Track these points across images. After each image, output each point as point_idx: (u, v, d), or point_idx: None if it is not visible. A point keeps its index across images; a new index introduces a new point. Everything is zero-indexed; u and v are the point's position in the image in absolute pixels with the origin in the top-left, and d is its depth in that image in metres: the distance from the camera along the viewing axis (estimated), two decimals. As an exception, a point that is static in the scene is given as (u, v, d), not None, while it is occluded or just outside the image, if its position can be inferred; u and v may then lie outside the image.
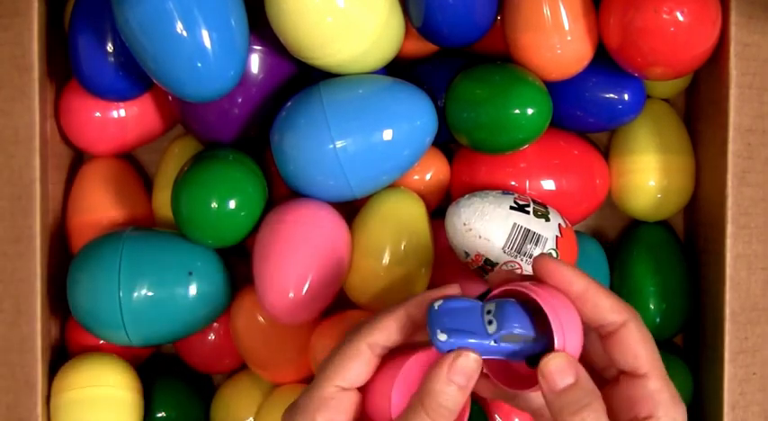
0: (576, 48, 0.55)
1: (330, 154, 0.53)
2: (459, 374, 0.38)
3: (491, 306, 0.40)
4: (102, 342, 0.61)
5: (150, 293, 0.55)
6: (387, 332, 0.42)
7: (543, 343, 0.40)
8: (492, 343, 0.39)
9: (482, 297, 0.42)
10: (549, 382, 0.38)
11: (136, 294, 0.55)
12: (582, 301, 0.40)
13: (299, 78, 0.59)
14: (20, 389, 0.56)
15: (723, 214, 0.55)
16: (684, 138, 0.62)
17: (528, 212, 0.55)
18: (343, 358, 0.42)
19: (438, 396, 0.38)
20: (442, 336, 0.39)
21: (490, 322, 0.39)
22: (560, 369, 0.38)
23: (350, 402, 0.42)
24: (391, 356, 0.43)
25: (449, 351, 0.39)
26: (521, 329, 0.39)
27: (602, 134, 0.64)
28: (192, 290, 0.56)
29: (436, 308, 0.40)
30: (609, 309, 0.40)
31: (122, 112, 0.61)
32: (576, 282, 0.41)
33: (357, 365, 0.42)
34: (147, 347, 0.63)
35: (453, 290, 0.43)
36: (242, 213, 0.55)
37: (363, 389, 0.42)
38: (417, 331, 0.43)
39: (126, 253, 0.55)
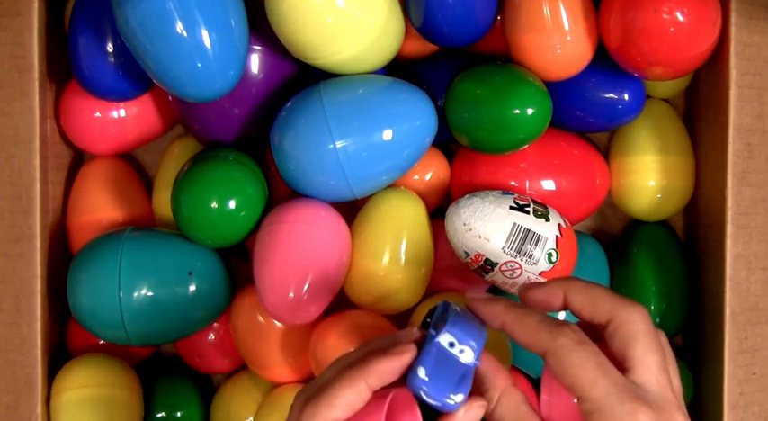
0: (576, 48, 0.55)
1: (330, 154, 0.53)
2: None
3: (448, 337, 0.41)
4: (102, 342, 0.61)
5: (150, 293, 0.55)
6: (345, 409, 0.40)
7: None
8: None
9: (425, 324, 0.43)
10: None
11: (136, 294, 0.55)
12: (506, 334, 0.41)
13: (299, 78, 0.59)
14: (20, 389, 0.56)
15: (723, 214, 0.55)
16: (684, 139, 0.62)
17: (528, 212, 0.55)
18: (337, 389, 0.41)
19: None
20: (458, 397, 0.39)
21: (461, 351, 0.40)
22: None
23: None
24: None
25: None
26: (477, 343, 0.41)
27: (602, 134, 0.64)
28: (192, 290, 0.56)
29: (423, 376, 0.40)
30: (525, 343, 0.40)
31: (122, 112, 0.61)
32: (493, 321, 0.42)
33: (352, 396, 0.41)
34: (147, 347, 0.63)
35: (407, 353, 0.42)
36: (242, 213, 0.55)
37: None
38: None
39: (126, 253, 0.55)
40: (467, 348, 0.40)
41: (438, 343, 0.40)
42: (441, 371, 0.40)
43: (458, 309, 0.42)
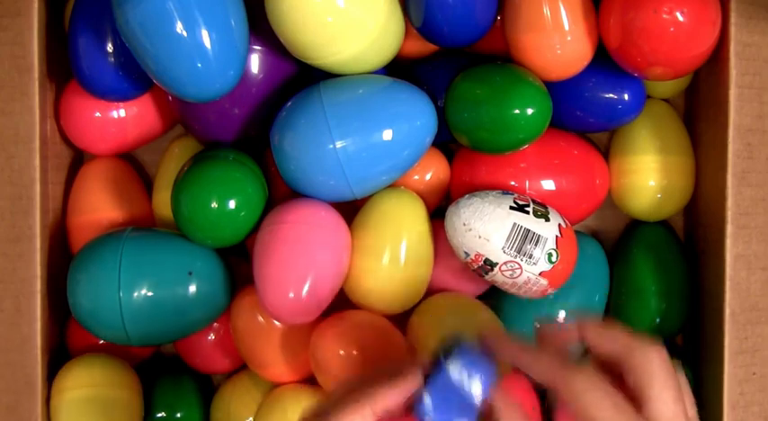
0: (576, 48, 0.55)
1: (330, 154, 0.53)
2: None
3: (457, 367, 0.41)
4: (102, 342, 0.61)
5: (150, 293, 0.55)
6: (385, 405, 0.42)
7: None
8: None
9: (437, 354, 0.43)
10: None
11: (136, 294, 0.55)
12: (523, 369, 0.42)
13: (299, 78, 0.59)
14: (20, 389, 0.56)
15: (723, 214, 0.55)
16: (684, 139, 0.62)
17: (528, 212, 0.54)
18: (344, 412, 0.41)
19: None
20: None
21: (470, 383, 0.41)
22: None
23: None
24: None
25: None
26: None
27: (602, 134, 0.64)
28: (192, 290, 0.56)
29: (429, 404, 0.41)
30: (541, 380, 0.41)
31: (122, 112, 0.61)
32: (508, 358, 0.42)
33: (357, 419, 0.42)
34: (147, 347, 0.63)
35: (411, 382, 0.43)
36: (242, 213, 0.55)
37: None
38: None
39: (126, 253, 0.55)
40: (475, 380, 0.41)
41: (446, 372, 0.41)
42: (447, 401, 0.40)
43: (470, 342, 0.42)
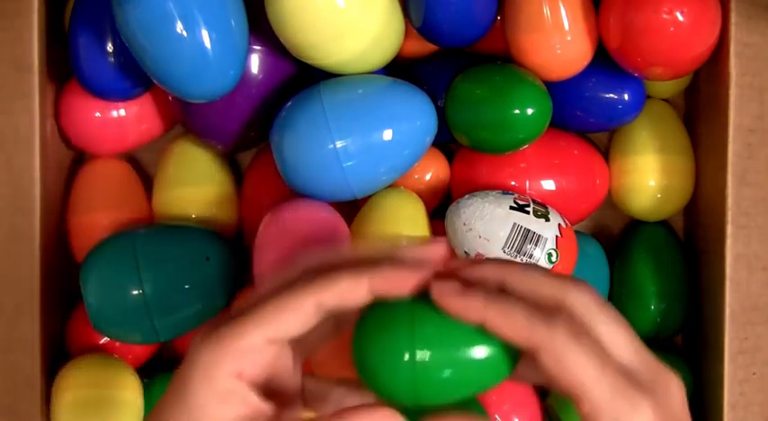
0: (576, 48, 0.55)
1: (330, 154, 0.53)
2: None
3: None
4: (102, 342, 0.61)
5: (173, 285, 0.56)
6: (342, 297, 0.36)
7: None
8: None
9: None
10: None
11: (159, 288, 0.55)
12: (488, 330, 0.36)
13: (299, 78, 0.59)
14: (20, 390, 0.56)
15: (723, 214, 0.55)
16: (684, 139, 0.62)
17: (528, 212, 0.54)
18: (281, 309, 0.36)
19: None
20: None
21: None
22: None
23: (272, 357, 0.36)
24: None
25: None
26: None
27: (602, 134, 0.64)
28: (213, 273, 0.57)
29: None
30: (513, 339, 0.35)
31: (122, 112, 0.61)
32: (471, 317, 0.36)
33: (295, 319, 0.36)
34: (173, 339, 0.62)
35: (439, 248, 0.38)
36: None
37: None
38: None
39: (140, 249, 0.56)
40: None
41: None
42: None
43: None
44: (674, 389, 0.36)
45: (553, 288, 0.36)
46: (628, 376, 0.35)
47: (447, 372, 0.36)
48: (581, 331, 0.35)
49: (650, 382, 0.35)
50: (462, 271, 0.38)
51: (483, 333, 0.36)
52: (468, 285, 0.36)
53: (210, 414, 0.36)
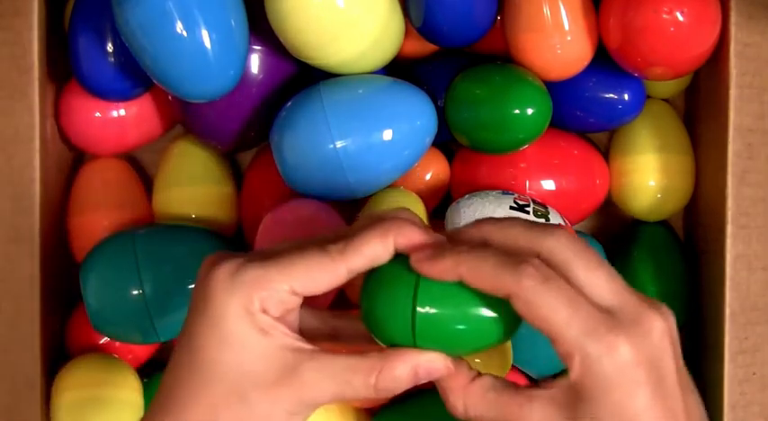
0: (576, 48, 0.55)
1: (330, 154, 0.53)
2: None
3: None
4: (102, 342, 0.61)
5: (173, 284, 0.56)
6: (373, 260, 0.38)
7: None
8: None
9: None
10: None
11: (159, 288, 0.55)
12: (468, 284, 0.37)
13: (299, 78, 0.59)
14: (20, 389, 0.56)
15: (723, 214, 0.55)
16: (684, 138, 0.62)
17: (528, 212, 0.54)
18: (312, 266, 0.38)
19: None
20: None
21: None
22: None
23: (293, 305, 0.39)
24: None
25: None
26: None
27: (602, 134, 0.64)
28: None
29: None
30: (488, 290, 0.37)
31: (122, 112, 0.61)
32: (448, 276, 0.37)
33: (329, 279, 0.38)
34: (173, 340, 0.62)
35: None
36: None
37: None
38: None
39: (140, 250, 0.56)
40: None
41: None
42: None
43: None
44: (658, 326, 0.36)
45: (528, 237, 0.37)
46: (604, 317, 0.35)
47: (444, 329, 0.38)
48: (551, 276, 0.36)
49: (631, 321, 0.36)
50: (450, 235, 0.39)
51: (483, 294, 0.37)
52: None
53: (254, 347, 0.37)
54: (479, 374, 0.39)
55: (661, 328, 0.36)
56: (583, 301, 0.36)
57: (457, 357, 0.39)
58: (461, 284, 0.37)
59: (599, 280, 0.36)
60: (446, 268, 0.37)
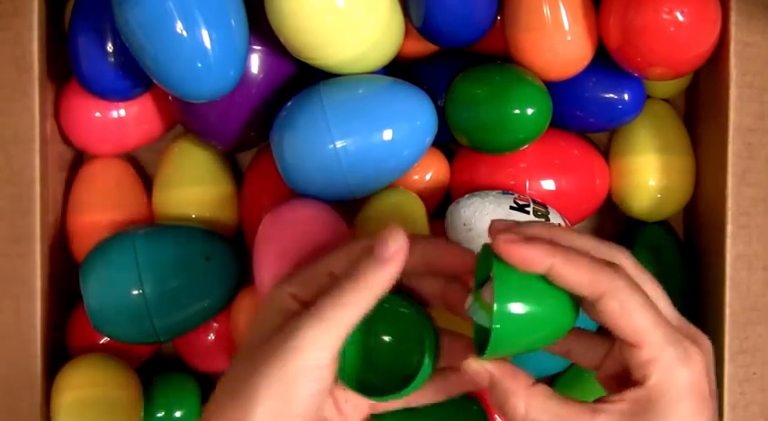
0: (576, 48, 0.55)
1: (330, 154, 0.53)
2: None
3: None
4: (102, 342, 0.61)
5: (173, 285, 0.56)
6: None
7: None
8: None
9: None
10: None
11: (159, 288, 0.55)
12: (552, 278, 0.37)
13: (299, 78, 0.59)
14: (20, 389, 0.56)
15: (723, 214, 0.55)
16: (684, 138, 0.62)
17: (528, 212, 0.54)
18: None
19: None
20: None
21: None
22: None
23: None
24: None
25: None
26: None
27: (602, 134, 0.64)
28: (212, 274, 0.57)
29: None
30: (578, 285, 0.37)
31: (122, 112, 0.61)
32: (538, 263, 0.37)
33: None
34: (173, 339, 0.63)
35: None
36: None
37: None
38: None
39: (140, 249, 0.56)
40: None
41: None
42: None
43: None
44: (711, 351, 0.39)
45: (604, 249, 0.38)
46: (677, 330, 0.38)
47: (513, 326, 0.37)
48: (636, 284, 0.37)
49: (695, 339, 0.38)
50: (515, 229, 0.39)
51: (549, 288, 0.37)
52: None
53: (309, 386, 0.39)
54: (537, 381, 0.39)
55: (712, 353, 0.39)
56: (661, 313, 0.37)
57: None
58: (539, 278, 0.37)
59: (663, 301, 0.39)
60: (538, 254, 0.37)
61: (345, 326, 0.40)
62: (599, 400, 0.38)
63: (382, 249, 0.40)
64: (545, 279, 0.37)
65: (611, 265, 0.37)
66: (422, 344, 0.42)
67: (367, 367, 0.44)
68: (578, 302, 0.39)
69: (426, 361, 0.42)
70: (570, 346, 0.43)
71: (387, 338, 0.45)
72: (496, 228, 0.39)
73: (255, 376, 0.39)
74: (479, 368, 0.39)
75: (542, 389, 0.38)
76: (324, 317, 0.39)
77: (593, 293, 0.37)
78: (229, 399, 0.39)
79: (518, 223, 0.40)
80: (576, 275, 0.36)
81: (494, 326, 0.37)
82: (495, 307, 0.36)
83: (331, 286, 0.41)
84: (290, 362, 0.39)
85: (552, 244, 0.37)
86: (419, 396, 0.44)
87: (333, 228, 0.55)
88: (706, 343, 0.39)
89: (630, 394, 0.37)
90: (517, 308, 0.37)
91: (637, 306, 0.36)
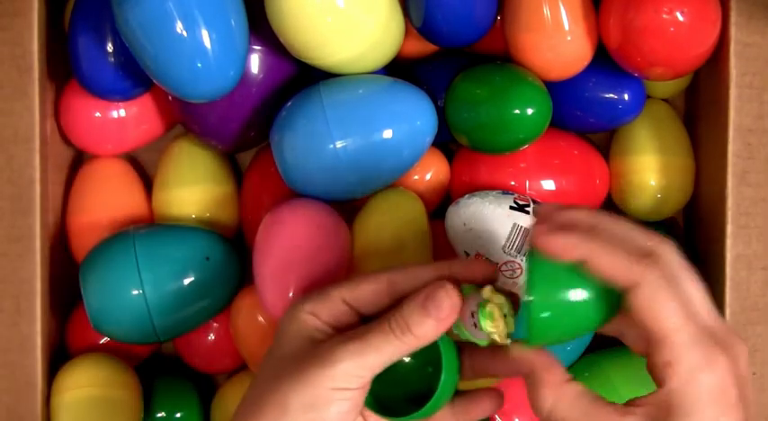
0: (576, 48, 0.55)
1: (330, 154, 0.53)
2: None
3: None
4: (102, 342, 0.61)
5: (173, 285, 0.56)
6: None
7: None
8: None
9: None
10: None
11: (159, 288, 0.55)
12: (586, 268, 0.37)
13: (299, 78, 0.59)
14: (20, 389, 0.56)
15: (723, 214, 0.55)
16: (684, 139, 0.62)
17: (528, 212, 0.55)
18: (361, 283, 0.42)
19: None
20: None
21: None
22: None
23: (344, 316, 0.42)
24: None
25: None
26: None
27: (602, 134, 0.64)
28: (212, 273, 0.57)
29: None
30: (611, 275, 0.36)
31: (122, 112, 0.61)
32: (571, 253, 0.37)
33: (373, 294, 0.42)
34: (173, 339, 0.63)
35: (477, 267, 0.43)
36: None
37: None
38: None
39: (140, 250, 0.56)
40: None
41: None
42: None
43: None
44: (744, 356, 0.37)
45: (646, 237, 0.37)
46: (708, 333, 0.36)
47: (552, 314, 0.37)
48: (675, 277, 0.36)
49: (725, 344, 0.36)
50: (554, 214, 0.39)
51: (585, 280, 0.37)
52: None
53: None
54: (573, 378, 0.39)
55: (746, 357, 0.37)
56: (693, 313, 0.36)
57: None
58: (573, 268, 0.37)
59: (701, 298, 0.37)
60: (573, 243, 0.36)
61: (384, 364, 0.41)
62: (629, 403, 0.38)
63: (437, 311, 0.40)
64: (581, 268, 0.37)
65: (648, 256, 0.36)
66: (439, 363, 0.42)
67: (389, 388, 0.44)
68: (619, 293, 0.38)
69: (443, 377, 0.42)
70: (623, 330, 0.42)
71: (408, 359, 0.46)
72: (539, 212, 0.40)
73: (289, 393, 0.40)
74: (519, 354, 0.39)
75: (575, 386, 0.38)
76: (365, 353, 0.40)
77: (626, 285, 0.36)
78: (258, 410, 0.40)
79: (561, 207, 0.39)
80: (611, 265, 0.36)
81: (534, 315, 0.37)
82: (533, 297, 0.37)
83: (380, 323, 0.41)
84: (323, 385, 0.40)
85: (588, 233, 0.37)
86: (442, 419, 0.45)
87: (333, 228, 0.55)
88: (739, 346, 0.37)
89: (653, 398, 0.36)
90: (553, 297, 0.37)
91: (666, 302, 0.35)
